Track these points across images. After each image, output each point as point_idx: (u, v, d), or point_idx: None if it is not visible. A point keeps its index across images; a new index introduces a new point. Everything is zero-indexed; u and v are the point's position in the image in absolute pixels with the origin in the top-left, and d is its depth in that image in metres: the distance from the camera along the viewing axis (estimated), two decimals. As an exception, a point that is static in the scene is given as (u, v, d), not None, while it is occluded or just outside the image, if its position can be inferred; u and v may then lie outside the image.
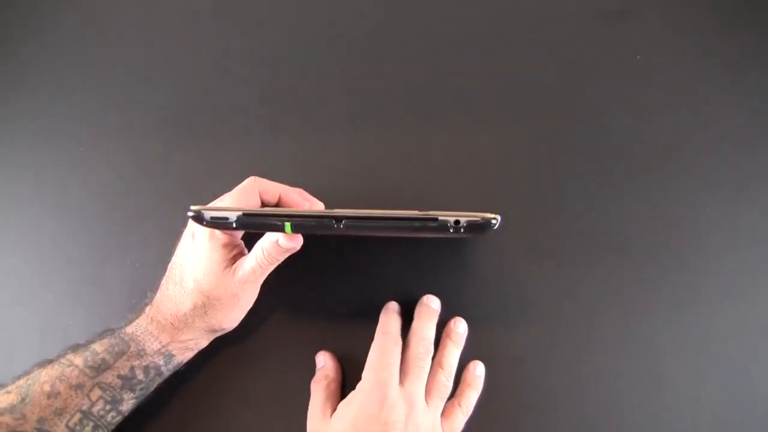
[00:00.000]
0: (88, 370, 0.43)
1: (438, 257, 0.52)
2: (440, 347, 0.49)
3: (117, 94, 0.57)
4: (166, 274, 0.47)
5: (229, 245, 0.46)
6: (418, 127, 0.55)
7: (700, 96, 0.54)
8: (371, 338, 0.48)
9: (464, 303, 0.51)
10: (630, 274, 0.51)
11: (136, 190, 0.55)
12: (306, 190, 0.48)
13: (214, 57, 0.58)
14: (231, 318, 0.47)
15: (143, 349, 0.44)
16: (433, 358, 0.48)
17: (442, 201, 0.52)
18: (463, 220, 0.39)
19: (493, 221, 0.39)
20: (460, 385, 0.49)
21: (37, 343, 0.52)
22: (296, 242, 0.43)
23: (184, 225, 0.48)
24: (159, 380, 0.46)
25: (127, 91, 0.57)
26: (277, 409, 0.50)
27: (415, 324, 0.49)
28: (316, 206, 0.48)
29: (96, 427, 0.43)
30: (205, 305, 0.45)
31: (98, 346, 0.44)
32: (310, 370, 0.50)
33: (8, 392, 0.42)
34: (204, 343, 0.48)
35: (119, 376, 0.43)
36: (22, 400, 0.41)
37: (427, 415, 0.46)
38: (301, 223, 0.40)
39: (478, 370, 0.49)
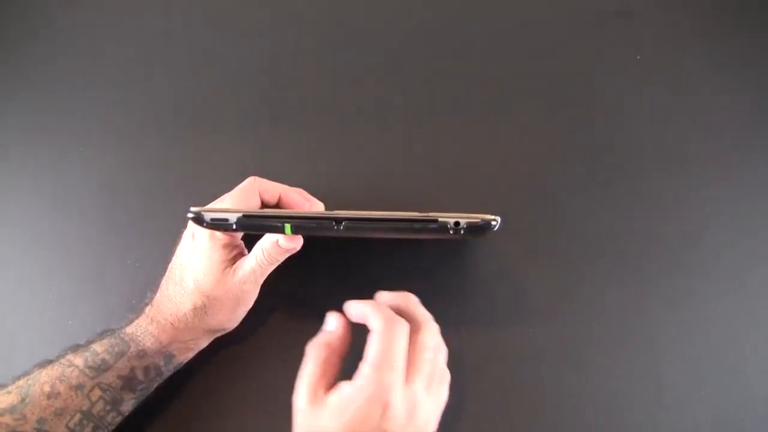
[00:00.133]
0: (88, 371, 0.43)
1: (438, 258, 0.52)
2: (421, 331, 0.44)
3: (117, 93, 0.57)
4: (166, 274, 0.47)
5: (229, 245, 0.46)
6: (418, 127, 0.55)
7: (700, 96, 0.54)
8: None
9: (464, 303, 0.51)
10: (629, 274, 0.51)
11: (136, 189, 0.55)
12: (306, 190, 0.48)
13: (214, 57, 0.58)
14: (231, 318, 0.47)
15: (143, 350, 0.44)
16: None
17: (442, 202, 0.52)
18: (463, 221, 0.39)
19: (493, 222, 0.39)
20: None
21: (37, 343, 0.52)
22: (296, 243, 0.43)
23: (184, 225, 0.48)
24: (159, 380, 0.46)
25: (127, 90, 0.57)
26: (277, 408, 0.50)
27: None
28: (316, 206, 0.48)
29: (96, 427, 0.43)
30: (205, 305, 0.45)
31: (98, 347, 0.44)
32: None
33: (8, 392, 0.42)
34: (204, 343, 0.48)
35: (119, 377, 0.43)
36: (22, 400, 0.41)
37: (427, 408, 0.42)
38: (300, 224, 0.40)
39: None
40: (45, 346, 0.47)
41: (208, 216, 0.40)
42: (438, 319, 0.50)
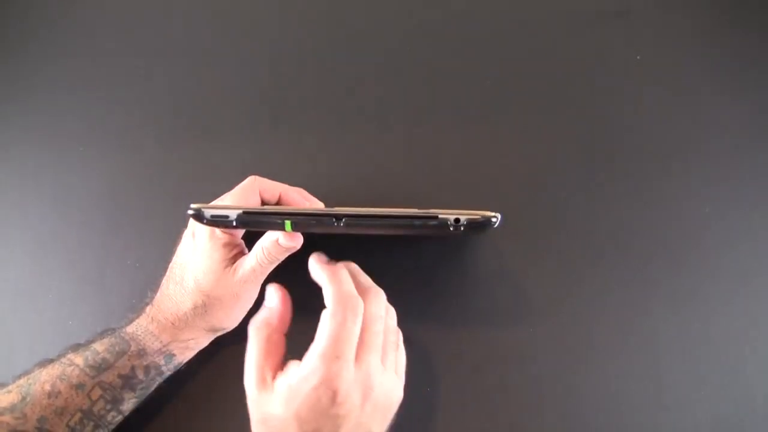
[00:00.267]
0: (88, 370, 0.43)
1: (438, 257, 0.52)
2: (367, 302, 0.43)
3: (117, 93, 0.57)
4: (167, 273, 0.47)
5: (230, 245, 0.46)
6: (417, 127, 0.55)
7: (700, 96, 0.54)
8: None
9: (464, 302, 0.51)
10: (629, 274, 0.51)
11: (137, 189, 0.55)
12: (306, 189, 0.48)
13: (214, 57, 0.58)
14: (231, 317, 0.47)
15: (144, 349, 0.44)
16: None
17: (442, 199, 0.53)
18: (463, 218, 0.39)
19: (494, 219, 0.39)
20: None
21: (37, 343, 0.52)
22: (296, 241, 0.43)
23: (185, 225, 0.48)
24: (159, 380, 0.46)
25: (127, 90, 0.57)
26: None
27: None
28: (316, 205, 0.48)
29: (96, 426, 0.43)
30: (206, 305, 0.45)
31: (99, 346, 0.44)
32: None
33: (9, 391, 0.42)
34: (204, 342, 0.48)
35: (120, 376, 0.43)
36: (23, 399, 0.41)
37: (386, 381, 0.41)
38: (301, 221, 0.40)
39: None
40: (45, 346, 0.47)
41: (208, 212, 0.40)
42: (438, 319, 0.51)
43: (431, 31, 0.57)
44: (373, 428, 0.40)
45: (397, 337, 0.45)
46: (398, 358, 0.44)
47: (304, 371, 0.39)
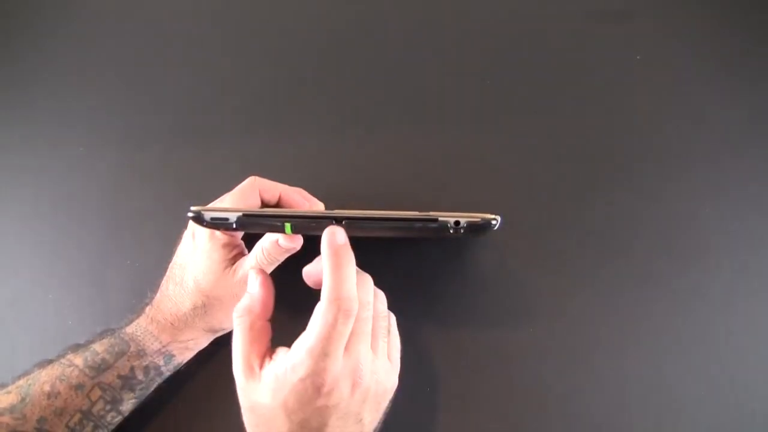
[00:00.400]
0: (88, 370, 0.43)
1: (438, 258, 0.51)
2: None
3: (117, 94, 0.57)
4: (167, 274, 0.47)
5: (229, 245, 0.46)
6: (418, 127, 0.55)
7: (700, 96, 0.54)
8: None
9: (464, 303, 0.51)
10: (629, 274, 0.51)
11: (136, 190, 0.55)
12: (306, 190, 0.48)
13: (214, 57, 0.58)
14: (231, 318, 0.47)
15: (143, 349, 0.44)
16: None
17: (442, 202, 0.52)
18: (463, 220, 0.39)
19: (493, 222, 0.39)
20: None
21: (37, 343, 0.52)
22: (296, 242, 0.43)
23: (184, 225, 0.48)
24: (159, 380, 0.46)
25: (128, 91, 0.57)
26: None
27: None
28: (316, 206, 0.48)
29: (96, 427, 0.43)
30: (205, 305, 0.45)
31: (98, 346, 0.44)
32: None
33: (8, 392, 0.42)
34: (204, 343, 0.48)
35: (119, 376, 0.43)
36: (22, 400, 0.41)
37: (377, 367, 0.40)
38: (300, 223, 0.40)
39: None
40: (45, 346, 0.47)
41: (208, 215, 0.41)
42: (438, 319, 0.51)
43: (431, 31, 0.57)
44: (365, 417, 0.40)
45: (389, 321, 0.44)
46: (391, 343, 0.43)
47: (290, 362, 0.38)
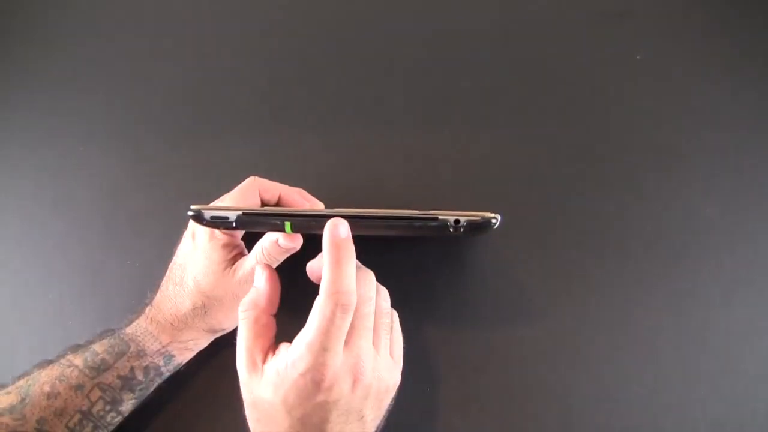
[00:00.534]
0: (87, 371, 0.43)
1: (438, 257, 0.51)
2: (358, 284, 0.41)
3: (117, 94, 0.57)
4: (167, 274, 0.47)
5: (229, 245, 0.46)
6: (418, 127, 0.55)
7: (700, 96, 0.54)
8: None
9: (464, 303, 0.51)
10: (629, 274, 0.51)
11: (136, 190, 0.55)
12: (306, 190, 0.48)
13: (214, 57, 0.58)
14: (231, 318, 0.47)
15: (143, 350, 0.44)
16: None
17: (442, 200, 0.52)
18: (463, 219, 0.39)
19: (493, 221, 0.39)
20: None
21: (37, 343, 0.52)
22: (296, 242, 0.43)
23: (184, 225, 0.48)
24: (159, 381, 0.46)
25: (127, 90, 0.57)
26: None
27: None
28: (316, 206, 0.48)
29: (96, 427, 0.43)
30: (205, 305, 0.45)
31: (98, 347, 0.44)
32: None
33: (8, 393, 0.42)
34: (204, 343, 0.48)
35: (119, 377, 0.43)
36: (22, 400, 0.41)
37: (379, 363, 0.40)
38: (300, 222, 0.40)
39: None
40: (45, 346, 0.47)
41: (208, 214, 0.40)
42: (439, 319, 0.50)
43: (431, 31, 0.57)
44: (367, 414, 0.39)
45: (391, 318, 0.43)
46: (394, 340, 0.43)
47: (291, 357, 0.38)
